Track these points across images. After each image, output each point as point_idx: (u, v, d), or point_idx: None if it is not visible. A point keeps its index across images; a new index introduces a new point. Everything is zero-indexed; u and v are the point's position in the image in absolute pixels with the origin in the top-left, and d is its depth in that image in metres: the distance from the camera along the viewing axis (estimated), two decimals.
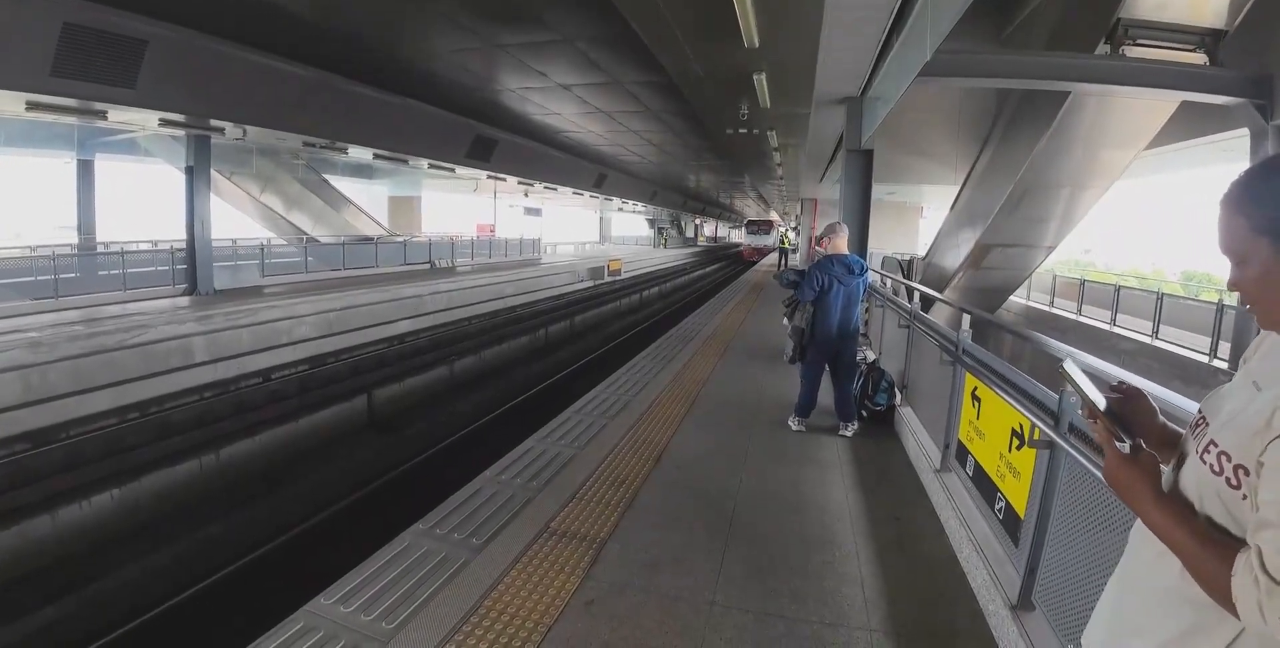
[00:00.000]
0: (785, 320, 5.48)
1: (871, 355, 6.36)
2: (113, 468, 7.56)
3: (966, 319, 3.96)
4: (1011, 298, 17.34)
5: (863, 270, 5.16)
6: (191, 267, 12.52)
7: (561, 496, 3.91)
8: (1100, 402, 1.09)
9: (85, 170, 16.57)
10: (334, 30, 9.20)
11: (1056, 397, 2.46)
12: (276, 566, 6.84)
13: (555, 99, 13.28)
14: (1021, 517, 2.74)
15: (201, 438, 8.44)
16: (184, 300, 11.91)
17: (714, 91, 9.93)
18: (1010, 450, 2.96)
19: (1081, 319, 15.97)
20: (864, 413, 5.49)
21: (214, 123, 11.24)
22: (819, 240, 5.50)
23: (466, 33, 9.09)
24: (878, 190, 8.95)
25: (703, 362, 7.89)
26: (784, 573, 3.17)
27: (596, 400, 6.03)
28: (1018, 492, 2.82)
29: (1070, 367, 1.12)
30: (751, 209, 58.82)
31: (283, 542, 7.17)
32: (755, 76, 8.26)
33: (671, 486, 4.15)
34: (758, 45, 6.74)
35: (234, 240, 18.05)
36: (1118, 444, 1.06)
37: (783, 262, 31.21)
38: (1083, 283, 16.95)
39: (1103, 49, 8.83)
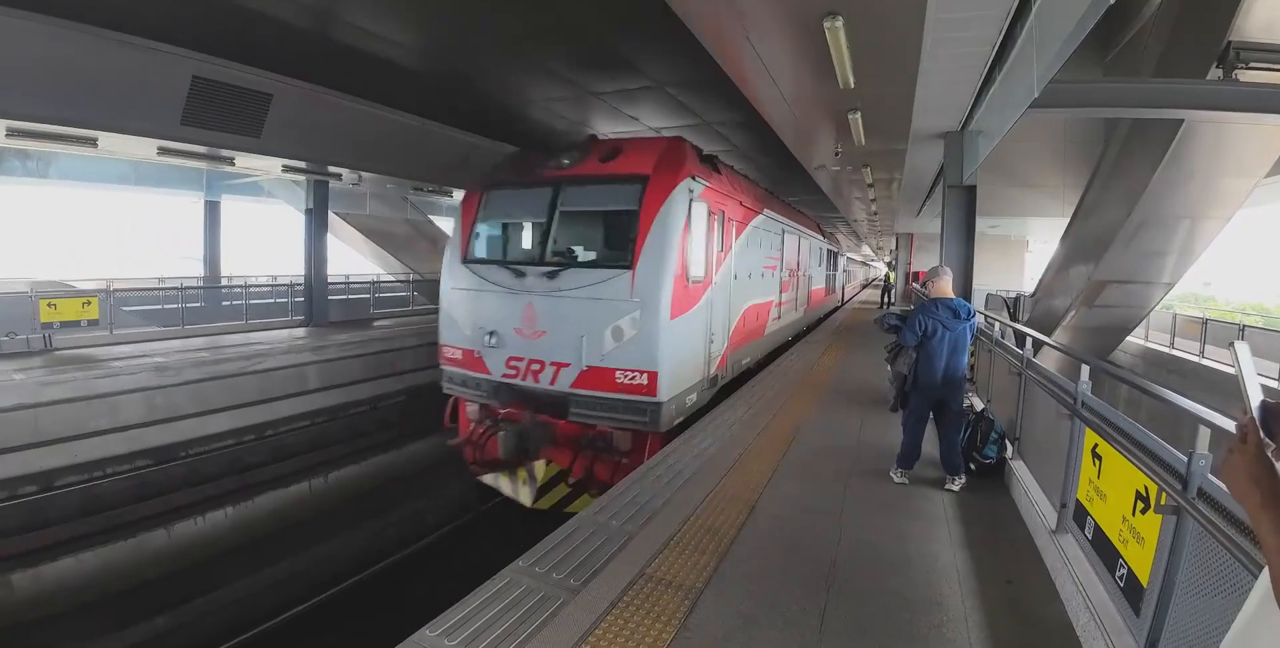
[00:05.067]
0: (889, 366, 5.31)
1: (979, 404, 6.05)
2: (229, 486, 8.07)
3: (1086, 370, 3.74)
4: (1128, 338, 16.22)
5: (969, 315, 4.96)
6: (309, 300, 13.48)
7: (657, 541, 3.91)
8: (1255, 393, 1.07)
9: (212, 210, 18.20)
10: (441, 83, 9.81)
11: (1185, 459, 2.33)
12: (378, 587, 7.09)
13: None
14: (1144, 585, 2.59)
15: (313, 461, 8.92)
16: (300, 331, 12.76)
17: (806, 131, 9.93)
18: (1134, 514, 2.79)
19: (1204, 362, 14.72)
20: (972, 466, 5.23)
21: (332, 169, 12.13)
22: (915, 277, 5.35)
23: (563, 83, 9.52)
24: (979, 224, 8.66)
25: (798, 405, 7.72)
26: (887, 634, 3.05)
27: (691, 443, 5.99)
28: (1141, 559, 2.66)
29: (1240, 348, 1.10)
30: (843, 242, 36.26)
31: (385, 566, 7.42)
32: (850, 116, 8.19)
33: (768, 536, 4.08)
34: (853, 86, 6.70)
35: (347, 276, 19.26)
36: (1262, 436, 1.03)
37: (884, 300, 26.18)
38: (1205, 322, 15.67)
39: (1215, 73, 8.45)
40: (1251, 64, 8.20)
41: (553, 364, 6.52)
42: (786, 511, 4.50)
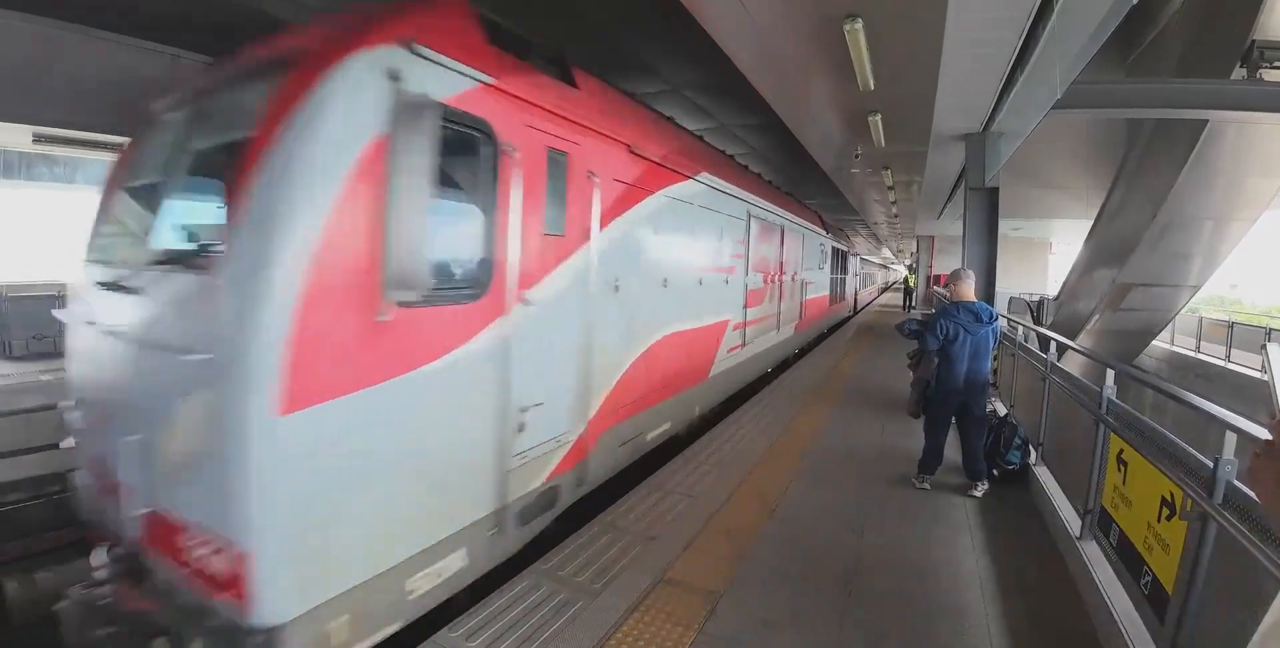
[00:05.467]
0: (912, 372, 5.25)
1: (1002, 409, 5.97)
2: None
3: (1111, 375, 3.68)
4: (1153, 342, 16.01)
5: (992, 318, 4.90)
6: None
7: (677, 544, 3.90)
8: None
9: None
10: None
11: (1210, 465, 2.29)
12: None
13: None
14: (1170, 593, 2.55)
15: None
16: None
17: (825, 133, 9.90)
18: (1160, 521, 2.75)
19: (1230, 366, 14.47)
20: (994, 472, 5.16)
21: None
22: (937, 280, 5.29)
23: None
24: (1001, 226, 8.60)
25: (817, 411, 7.66)
26: (908, 640, 3.02)
27: (709, 449, 5.97)
28: (1166, 566, 2.62)
29: (1274, 351, 1.06)
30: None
31: None
32: (870, 117, 8.15)
33: (787, 541, 4.05)
34: (873, 88, 6.67)
35: None
36: None
37: (907, 302, 26.29)
38: (1231, 325, 15.41)
39: (1239, 73, 8.36)
40: (1276, 63, 8.14)
41: (125, 483, 2.88)
42: (806, 515, 4.47)
